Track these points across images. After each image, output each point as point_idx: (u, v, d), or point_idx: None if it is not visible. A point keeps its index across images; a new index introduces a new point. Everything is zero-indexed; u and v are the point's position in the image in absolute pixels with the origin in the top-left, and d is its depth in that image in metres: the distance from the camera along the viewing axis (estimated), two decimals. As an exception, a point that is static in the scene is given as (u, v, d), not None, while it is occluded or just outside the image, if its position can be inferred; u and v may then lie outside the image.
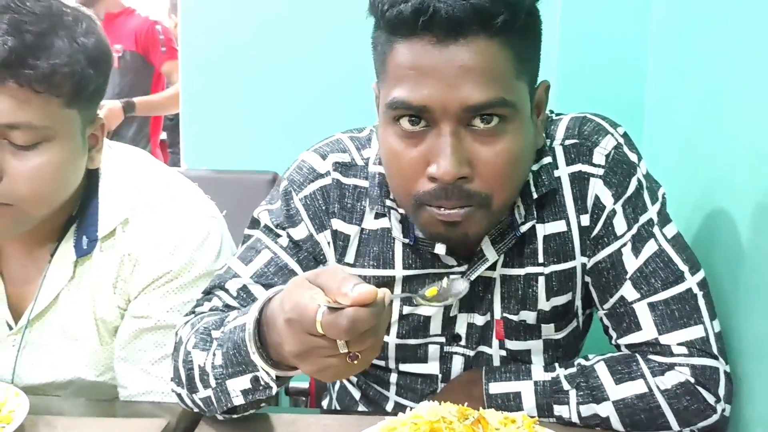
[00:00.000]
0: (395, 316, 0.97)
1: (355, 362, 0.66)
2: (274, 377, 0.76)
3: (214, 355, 0.82)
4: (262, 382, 0.78)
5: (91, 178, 1.04)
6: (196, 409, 0.89)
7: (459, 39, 0.76)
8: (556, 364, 0.94)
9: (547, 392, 0.91)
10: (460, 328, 0.98)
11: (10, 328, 1.05)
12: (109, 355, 1.05)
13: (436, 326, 0.98)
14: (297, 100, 1.83)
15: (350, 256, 0.97)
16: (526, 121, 0.84)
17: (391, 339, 0.99)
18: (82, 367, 1.05)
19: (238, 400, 0.82)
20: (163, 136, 3.77)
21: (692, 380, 0.88)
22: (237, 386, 0.80)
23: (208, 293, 0.97)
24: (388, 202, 0.94)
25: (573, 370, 0.92)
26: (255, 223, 1.00)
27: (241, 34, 1.82)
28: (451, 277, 0.88)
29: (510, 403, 0.91)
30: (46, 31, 0.89)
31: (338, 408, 1.14)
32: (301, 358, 0.68)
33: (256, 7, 1.82)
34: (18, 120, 0.88)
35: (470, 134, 0.80)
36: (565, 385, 0.91)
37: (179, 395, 0.90)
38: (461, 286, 0.80)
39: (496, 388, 0.93)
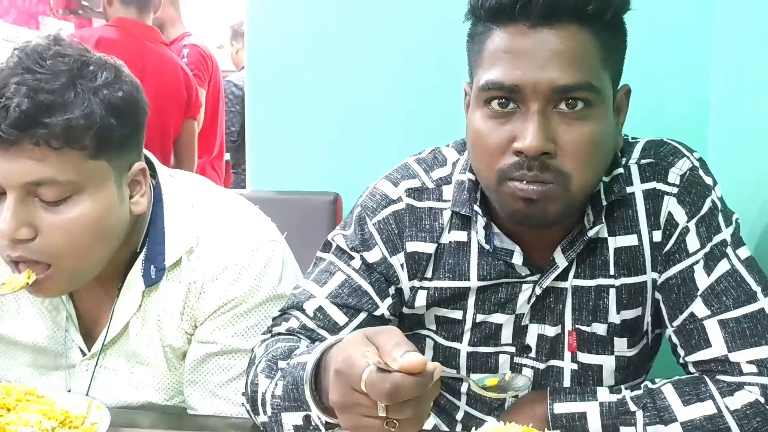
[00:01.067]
0: (468, 324, 1.00)
1: (392, 430, 0.66)
2: (324, 422, 0.78)
3: (276, 384, 0.85)
4: (313, 423, 0.80)
5: (155, 209, 1.06)
6: (261, 428, 0.92)
7: (552, 25, 0.83)
8: (622, 386, 0.94)
9: (613, 413, 0.90)
10: (531, 339, 0.99)
11: (84, 354, 1.09)
12: (177, 379, 1.08)
13: (507, 335, 0.99)
14: (359, 123, 1.87)
15: (429, 272, 1.00)
16: (609, 113, 0.88)
17: (463, 347, 1.01)
18: (153, 392, 1.08)
19: None
20: (227, 156, 3.88)
21: (762, 400, 0.86)
22: (290, 420, 0.83)
23: (284, 313, 0.99)
24: (476, 207, 0.96)
25: (639, 391, 0.91)
26: (328, 246, 1.03)
27: (306, 58, 1.87)
28: (513, 374, 0.93)
29: (575, 423, 0.91)
30: (63, 88, 0.88)
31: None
32: (342, 411, 0.69)
33: (321, 31, 1.87)
34: (40, 177, 0.89)
35: (556, 115, 0.85)
36: (632, 407, 0.90)
37: (248, 410, 0.93)
38: (521, 381, 0.82)
39: (561, 408, 0.93)
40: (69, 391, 1.09)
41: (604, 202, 0.94)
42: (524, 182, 0.85)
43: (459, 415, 1.06)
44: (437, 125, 1.90)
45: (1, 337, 1.10)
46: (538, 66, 0.83)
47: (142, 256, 1.04)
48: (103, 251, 0.99)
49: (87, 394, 1.08)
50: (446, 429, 1.07)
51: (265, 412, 0.86)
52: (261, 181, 1.89)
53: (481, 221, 0.96)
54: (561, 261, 0.95)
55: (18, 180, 0.88)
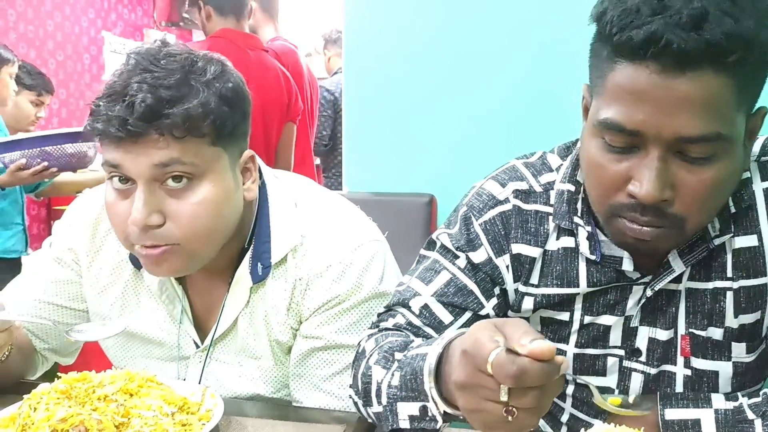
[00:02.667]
0: (576, 326, 0.98)
1: (510, 419, 0.65)
2: (442, 412, 0.78)
3: (392, 375, 0.86)
4: (430, 414, 0.80)
5: (261, 208, 1.10)
6: (369, 419, 0.94)
7: (685, 71, 0.75)
8: (739, 394, 0.90)
9: (729, 421, 0.87)
10: (641, 343, 0.96)
11: (197, 346, 1.14)
12: (284, 373, 1.12)
13: (615, 337, 0.97)
14: (455, 125, 1.88)
15: (534, 278, 0.98)
16: (738, 150, 0.81)
17: (570, 348, 0.99)
18: (261, 384, 1.12)
19: (404, 424, 0.85)
20: (317, 161, 3.97)
21: None
22: (406, 410, 0.83)
23: (390, 309, 1.01)
24: (576, 219, 0.95)
25: (758, 399, 0.87)
26: (432, 245, 1.04)
27: (401, 62, 1.89)
28: (640, 396, 0.91)
29: (688, 430, 0.88)
30: (179, 83, 0.95)
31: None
32: (463, 391, 0.69)
33: (417, 34, 1.89)
34: (169, 157, 0.94)
35: (678, 159, 0.79)
36: (750, 414, 0.86)
37: (355, 402, 0.95)
38: (646, 406, 0.81)
39: (673, 414, 0.90)
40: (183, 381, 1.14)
41: (733, 210, 0.90)
42: (634, 224, 0.82)
43: (564, 418, 1.04)
44: (533, 128, 1.89)
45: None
46: (663, 113, 0.76)
47: (249, 254, 1.08)
48: (222, 235, 1.03)
49: (199, 384, 1.13)
50: (549, 430, 1.06)
51: (379, 402, 0.88)
52: (356, 183, 1.93)
53: (583, 233, 0.94)
54: (678, 266, 0.91)
55: (148, 165, 0.94)
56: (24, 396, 0.92)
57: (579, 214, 0.95)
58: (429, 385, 0.77)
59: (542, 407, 0.66)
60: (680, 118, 0.76)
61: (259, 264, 1.08)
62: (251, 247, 1.09)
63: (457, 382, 0.70)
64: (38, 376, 1.21)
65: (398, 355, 0.88)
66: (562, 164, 1.00)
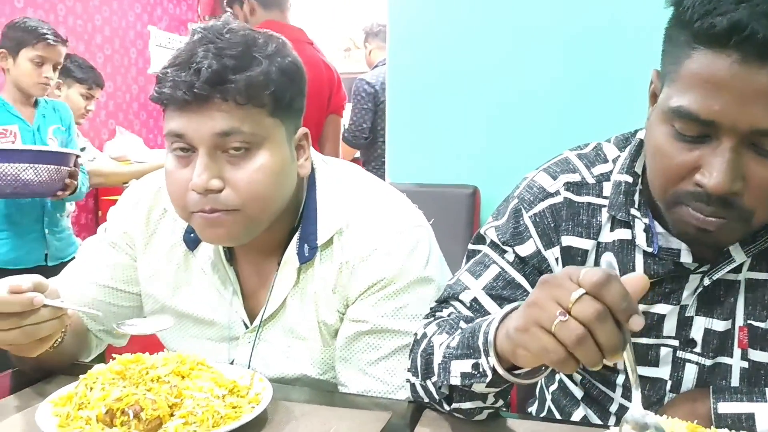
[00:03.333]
0: None
1: (560, 320, 0.66)
2: (492, 365, 0.79)
3: (453, 338, 0.88)
4: (481, 369, 0.81)
5: (309, 191, 1.13)
6: (426, 398, 0.95)
7: (765, 61, 0.73)
8: None
9: None
10: (696, 333, 0.94)
11: (246, 327, 1.16)
12: (330, 355, 1.13)
13: (670, 327, 0.95)
14: (499, 117, 1.87)
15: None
16: None
17: None
18: (308, 366, 1.13)
19: (455, 380, 0.85)
20: (357, 154, 3.98)
21: None
22: (459, 368, 0.84)
23: (444, 302, 1.03)
24: (633, 211, 0.94)
25: None
26: (481, 239, 1.05)
27: (445, 54, 1.89)
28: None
29: (741, 424, 0.86)
30: (242, 54, 0.99)
31: (552, 409, 1.14)
32: (521, 331, 0.71)
33: (461, 26, 1.88)
34: (230, 126, 0.98)
35: (750, 152, 0.78)
36: None
37: (413, 385, 0.96)
38: None
39: (727, 408, 0.88)
40: (232, 361, 1.16)
41: None
42: (699, 213, 0.80)
43: (613, 408, 1.03)
44: (581, 119, 1.87)
45: (173, 309, 1.19)
46: (740, 103, 0.74)
47: (297, 235, 1.11)
48: (277, 204, 1.06)
49: (249, 365, 1.15)
50: (598, 421, 1.05)
51: (438, 365, 0.89)
52: (399, 174, 1.93)
53: (640, 225, 0.93)
54: (739, 256, 0.89)
55: (210, 132, 0.98)
56: (80, 376, 0.95)
57: (636, 206, 0.93)
58: (490, 337, 0.78)
59: (611, 344, 0.66)
60: (757, 110, 0.74)
61: (305, 245, 1.10)
62: (299, 228, 1.11)
63: (519, 326, 0.72)
64: (92, 357, 1.25)
65: (463, 324, 0.90)
66: (619, 155, 0.99)
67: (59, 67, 2.67)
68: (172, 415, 0.88)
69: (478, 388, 0.84)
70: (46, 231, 2.63)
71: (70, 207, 3.38)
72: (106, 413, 0.88)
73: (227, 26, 1.03)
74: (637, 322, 0.66)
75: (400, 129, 1.94)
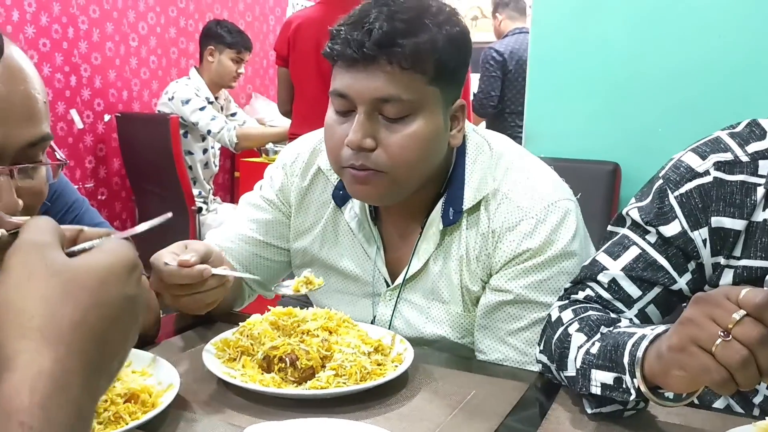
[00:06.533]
0: None
1: (720, 341, 0.66)
2: (637, 386, 0.79)
3: (593, 344, 0.88)
4: (624, 386, 0.81)
5: (458, 157, 1.14)
6: (555, 380, 0.95)
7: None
8: None
9: None
10: None
11: (388, 285, 1.21)
12: (470, 320, 1.15)
13: None
14: (644, 92, 1.79)
15: (737, 250, 0.95)
16: None
17: None
18: (448, 328, 1.16)
19: (595, 389, 0.86)
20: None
21: None
22: (600, 377, 0.85)
23: (580, 282, 1.03)
24: None
25: None
26: (621, 221, 1.03)
27: (591, 25, 1.83)
28: None
29: None
30: (413, 19, 1.01)
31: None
32: (677, 350, 0.71)
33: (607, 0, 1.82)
34: (389, 93, 1.01)
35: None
36: None
37: (545, 365, 0.97)
38: None
39: None
40: (374, 318, 1.22)
41: None
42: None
43: (757, 399, 0.99)
44: (731, 100, 1.76)
45: (321, 261, 1.26)
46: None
47: (443, 199, 1.13)
48: (425, 170, 1.09)
49: (390, 323, 1.20)
50: (740, 410, 1.01)
51: (573, 366, 0.90)
52: (537, 147, 1.90)
53: None
54: None
55: (370, 95, 1.03)
56: (239, 324, 1.03)
57: None
58: (642, 350, 0.78)
59: (756, 354, 0.66)
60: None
61: (450, 209, 1.12)
62: (446, 192, 1.13)
63: (674, 345, 0.71)
64: (245, 306, 1.34)
65: (604, 329, 0.90)
66: None
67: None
68: (323, 366, 0.94)
69: (619, 398, 0.84)
70: None
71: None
72: (264, 359, 0.96)
73: None
74: None
75: (539, 100, 1.91)
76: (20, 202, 0.69)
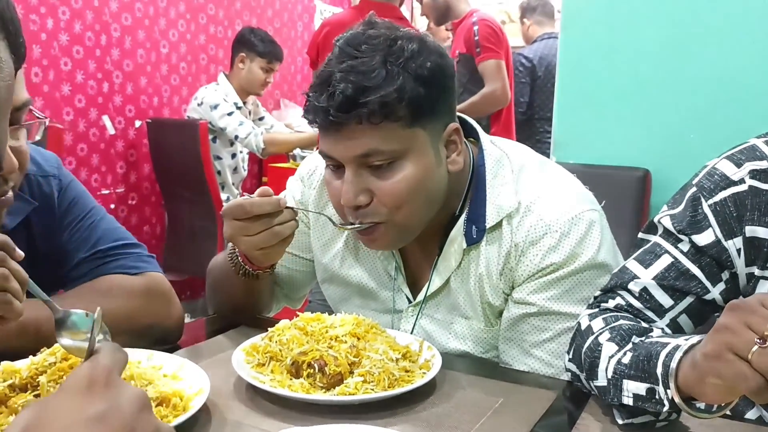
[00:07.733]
0: None
1: (757, 348, 0.65)
2: (670, 397, 0.78)
3: (624, 354, 0.87)
4: (657, 397, 0.81)
5: (477, 172, 1.13)
6: (585, 389, 0.94)
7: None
8: None
9: None
10: None
11: (410, 301, 1.21)
12: (494, 335, 1.14)
13: None
14: (675, 98, 1.77)
15: None
16: None
17: None
18: (470, 344, 1.15)
19: (627, 400, 0.85)
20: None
21: None
22: (632, 388, 0.84)
23: (610, 291, 1.01)
24: None
25: None
26: (653, 228, 1.02)
27: (620, 31, 1.82)
28: None
29: None
30: (376, 67, 0.99)
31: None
32: (712, 357, 0.70)
33: (636, 5, 1.80)
34: (368, 148, 1.01)
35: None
36: None
37: (574, 373, 0.96)
38: None
39: None
40: None
41: None
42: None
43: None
44: (760, 106, 1.73)
45: (341, 279, 1.26)
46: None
47: (464, 217, 1.12)
48: (426, 209, 1.08)
49: None
50: None
51: (604, 376, 0.89)
52: (566, 153, 1.89)
53: None
54: None
55: (351, 154, 1.03)
56: (268, 329, 1.04)
57: None
58: (676, 360, 0.77)
59: None
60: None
61: (473, 227, 1.11)
62: (466, 210, 1.12)
63: (708, 353, 0.71)
64: (272, 315, 1.35)
65: (636, 339, 0.89)
66: None
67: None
68: (351, 372, 0.94)
69: (652, 409, 0.83)
70: None
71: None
72: (292, 364, 0.96)
73: (366, 32, 1.03)
74: None
75: (568, 106, 1.90)
76: (15, 162, 0.74)
